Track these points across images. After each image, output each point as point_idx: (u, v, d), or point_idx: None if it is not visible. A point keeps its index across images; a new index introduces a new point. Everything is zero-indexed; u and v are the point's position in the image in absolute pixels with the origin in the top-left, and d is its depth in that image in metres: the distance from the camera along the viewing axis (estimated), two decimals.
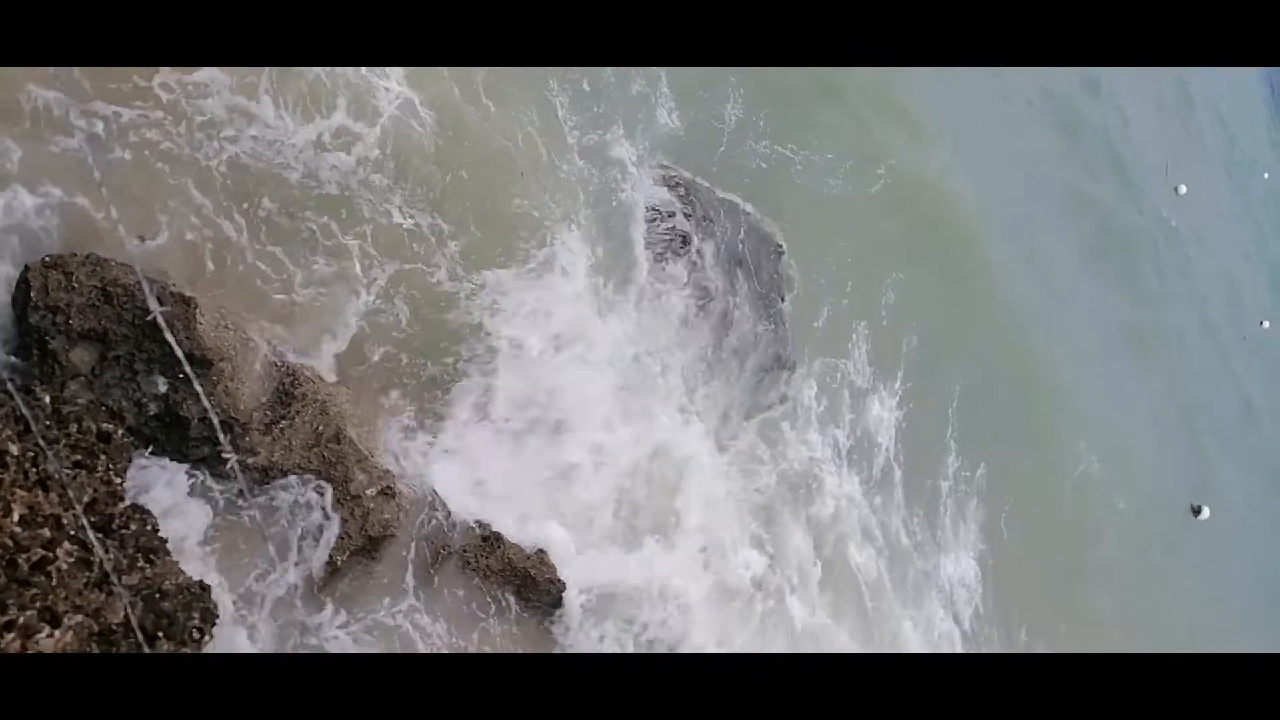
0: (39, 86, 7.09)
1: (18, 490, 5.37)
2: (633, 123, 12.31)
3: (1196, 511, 23.55)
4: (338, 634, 7.94)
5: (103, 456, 6.10)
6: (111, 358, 6.88)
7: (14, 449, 5.52)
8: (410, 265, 9.21)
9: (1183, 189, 31.43)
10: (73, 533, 5.44)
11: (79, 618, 5.25)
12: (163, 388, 7.04)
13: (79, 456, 5.96)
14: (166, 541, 6.18)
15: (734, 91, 14.22)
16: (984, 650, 14.94)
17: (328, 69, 8.84)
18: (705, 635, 10.43)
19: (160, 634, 5.70)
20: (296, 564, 7.68)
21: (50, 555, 5.29)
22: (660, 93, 12.98)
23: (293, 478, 7.79)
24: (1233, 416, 29.36)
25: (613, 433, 10.49)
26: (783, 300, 13.74)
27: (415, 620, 8.52)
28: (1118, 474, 20.48)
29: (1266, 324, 34.43)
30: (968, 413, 16.68)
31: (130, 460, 6.46)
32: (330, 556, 7.86)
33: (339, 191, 8.77)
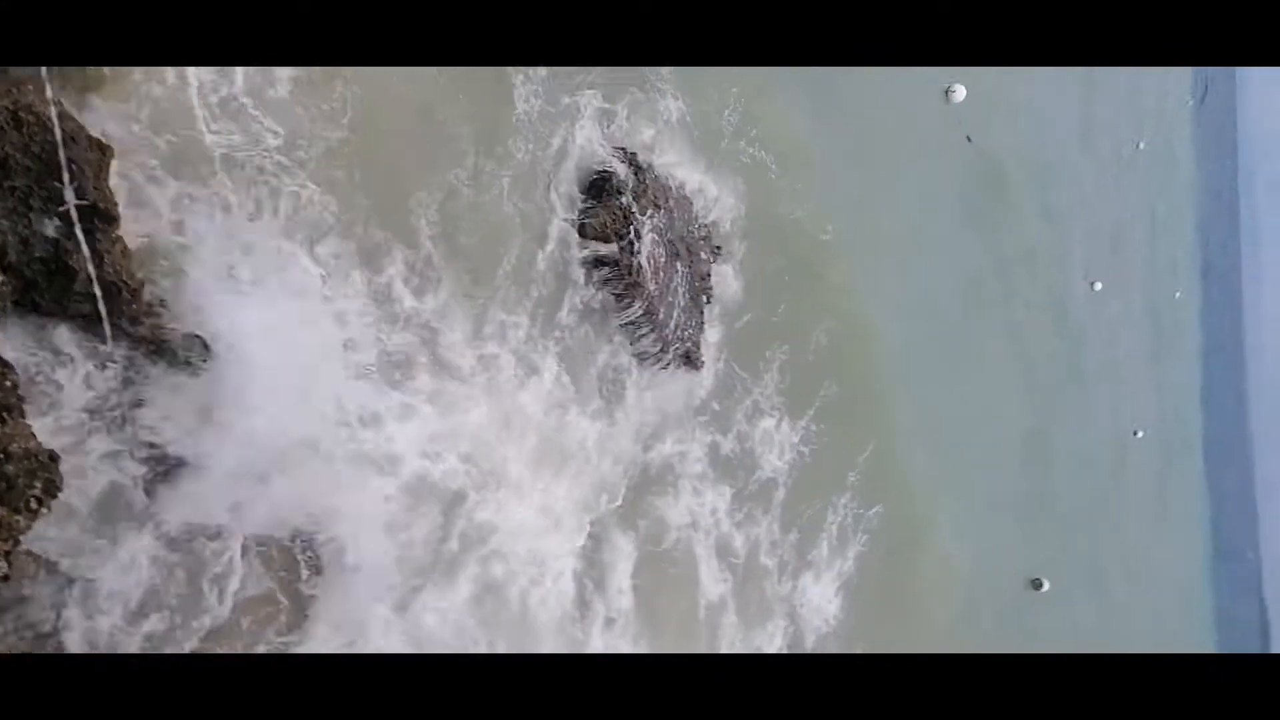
0: None
1: None
2: (616, 96, 11.93)
3: (1037, 586, 25.22)
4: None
5: None
6: (7, 187, 6.36)
7: None
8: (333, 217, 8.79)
9: (1099, 285, 32.86)
10: None
11: None
12: (53, 231, 6.55)
13: None
14: (24, 401, 5.75)
15: (735, 99, 13.94)
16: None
17: None
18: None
19: None
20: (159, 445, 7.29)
21: None
22: (659, 78, 12.60)
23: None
24: (1091, 510, 31.19)
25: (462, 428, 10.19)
26: (708, 300, 13.72)
27: None
28: (984, 547, 21.66)
29: (1140, 433, 36.63)
30: (875, 466, 17.29)
31: (5, 310, 5.96)
32: None
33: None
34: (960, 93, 21.09)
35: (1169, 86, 44.44)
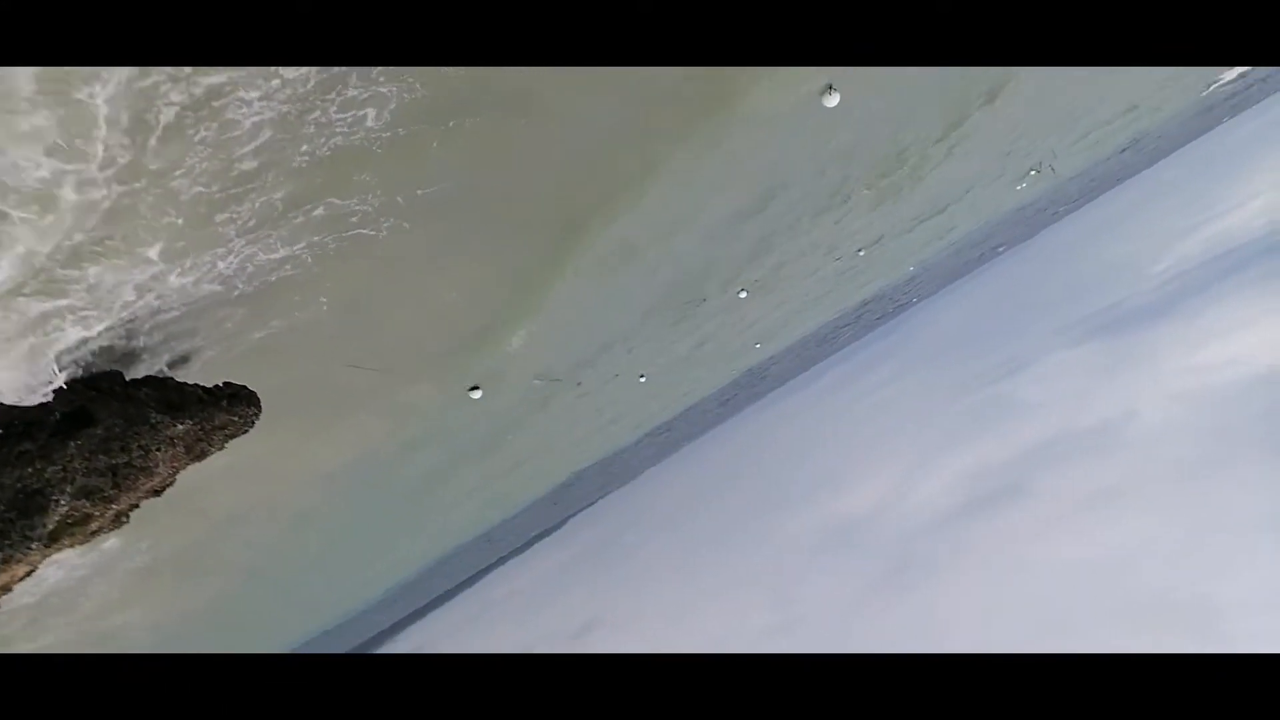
0: None
1: None
2: None
3: (473, 389, 27.52)
4: None
5: None
6: None
7: None
8: None
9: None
10: None
11: None
12: None
13: None
14: None
15: None
16: None
17: None
18: None
19: None
20: None
21: None
22: None
23: None
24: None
25: None
26: None
27: None
28: None
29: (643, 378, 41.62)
30: None
31: None
32: None
33: None
34: (835, 98, 20.98)
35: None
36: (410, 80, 12.47)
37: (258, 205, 12.88)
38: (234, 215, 12.71)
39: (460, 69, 12.72)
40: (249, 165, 12.21)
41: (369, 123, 12.81)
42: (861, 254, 42.14)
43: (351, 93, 12.19)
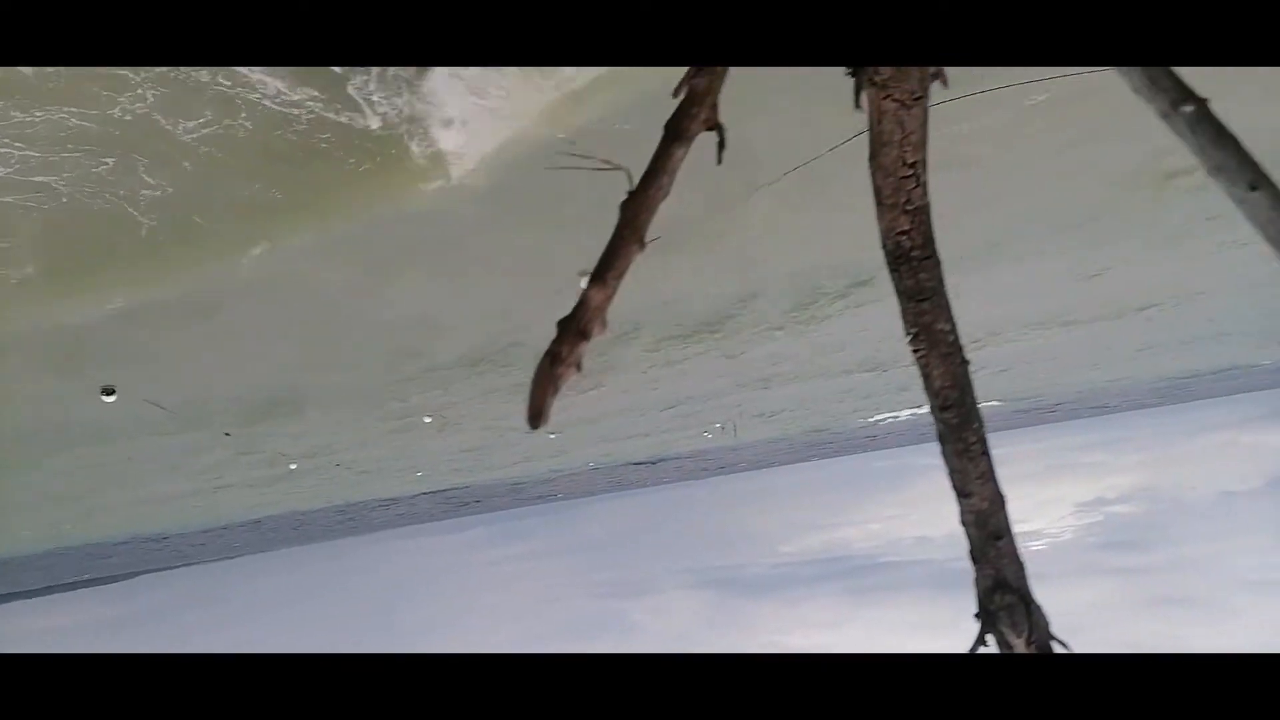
0: None
1: None
2: None
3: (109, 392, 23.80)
4: None
5: None
6: None
7: None
8: None
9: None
10: None
11: None
12: None
13: None
14: None
15: None
16: None
17: None
18: None
19: None
20: None
21: None
22: None
23: None
24: None
25: None
26: None
27: None
28: None
29: (290, 463, 38.67)
30: None
31: None
32: None
33: None
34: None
35: None
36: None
37: (38, 118, 11.63)
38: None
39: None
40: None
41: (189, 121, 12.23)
42: (552, 437, 43.52)
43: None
